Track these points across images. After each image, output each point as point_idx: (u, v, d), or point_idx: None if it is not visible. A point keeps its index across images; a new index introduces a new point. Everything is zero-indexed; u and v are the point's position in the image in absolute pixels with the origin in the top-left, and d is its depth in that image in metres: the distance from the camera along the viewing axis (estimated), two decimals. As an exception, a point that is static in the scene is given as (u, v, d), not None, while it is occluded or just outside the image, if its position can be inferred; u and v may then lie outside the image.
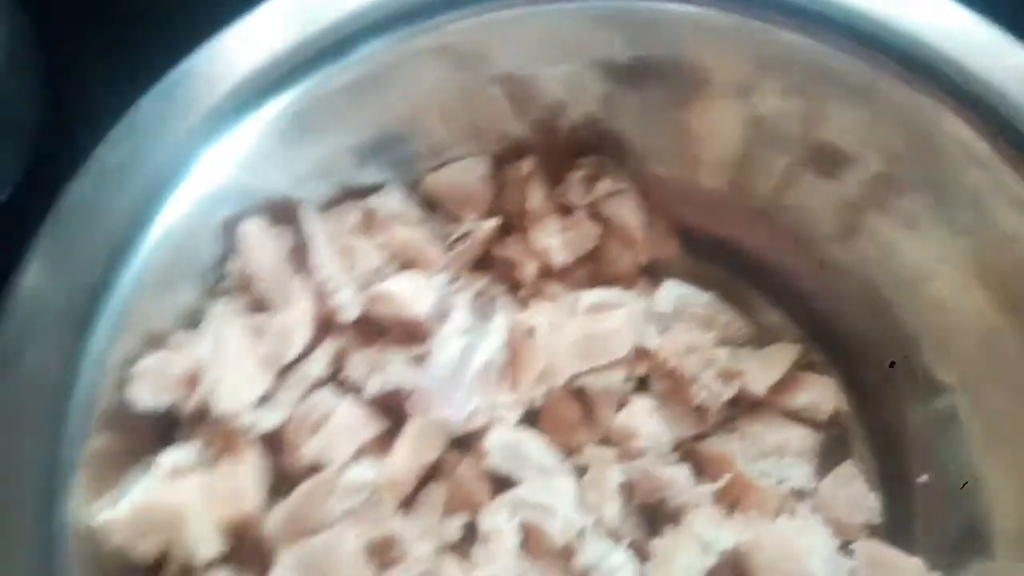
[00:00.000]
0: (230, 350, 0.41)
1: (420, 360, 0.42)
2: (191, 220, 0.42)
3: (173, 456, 0.40)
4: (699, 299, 0.48)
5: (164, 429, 0.42)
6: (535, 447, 0.44)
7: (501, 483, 0.44)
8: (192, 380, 0.40)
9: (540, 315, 0.44)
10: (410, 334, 0.43)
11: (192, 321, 0.43)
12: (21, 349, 0.38)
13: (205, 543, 0.38)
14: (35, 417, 0.38)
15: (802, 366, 0.50)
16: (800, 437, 0.48)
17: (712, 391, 0.45)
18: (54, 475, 0.37)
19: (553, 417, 0.45)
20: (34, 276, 0.40)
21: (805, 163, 0.47)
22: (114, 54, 0.62)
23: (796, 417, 0.49)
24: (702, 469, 0.47)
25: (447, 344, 0.41)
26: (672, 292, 0.49)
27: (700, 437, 0.48)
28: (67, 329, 0.39)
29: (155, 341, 0.41)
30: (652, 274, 0.51)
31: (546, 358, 0.43)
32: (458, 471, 0.43)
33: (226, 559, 0.40)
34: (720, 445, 0.47)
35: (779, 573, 0.41)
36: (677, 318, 0.47)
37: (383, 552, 0.39)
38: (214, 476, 0.40)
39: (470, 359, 0.41)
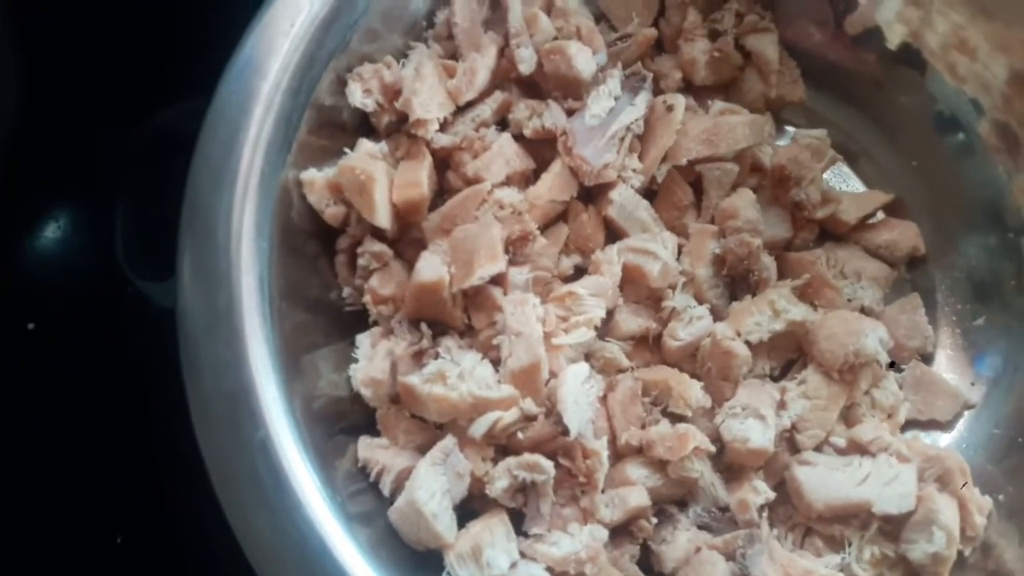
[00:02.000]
0: (427, 74, 0.50)
1: (573, 113, 0.51)
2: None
3: (370, 144, 0.50)
4: (814, 132, 0.55)
5: (359, 135, 0.53)
6: (647, 210, 0.52)
7: (612, 237, 0.53)
8: (394, 92, 0.50)
9: (680, 99, 0.52)
10: (567, 93, 0.51)
11: (399, 57, 0.53)
12: (264, 55, 0.49)
13: (382, 214, 0.48)
14: (270, 103, 0.49)
15: (892, 211, 0.57)
16: (877, 268, 0.55)
17: (810, 198, 0.52)
18: (283, 151, 0.48)
19: (668, 197, 0.54)
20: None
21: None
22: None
23: (876, 253, 0.56)
24: (784, 273, 0.54)
25: (599, 101, 0.50)
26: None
27: (789, 247, 0.55)
28: (306, 40, 0.49)
29: (370, 59, 0.51)
30: (776, 112, 0.59)
31: (675, 137, 0.52)
32: (581, 217, 0.52)
33: (387, 242, 0.51)
34: (808, 256, 0.54)
35: (837, 344, 0.49)
36: (792, 143, 0.55)
37: (516, 249, 0.49)
38: (397, 169, 0.50)
39: (615, 118, 0.50)
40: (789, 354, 0.53)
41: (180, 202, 0.51)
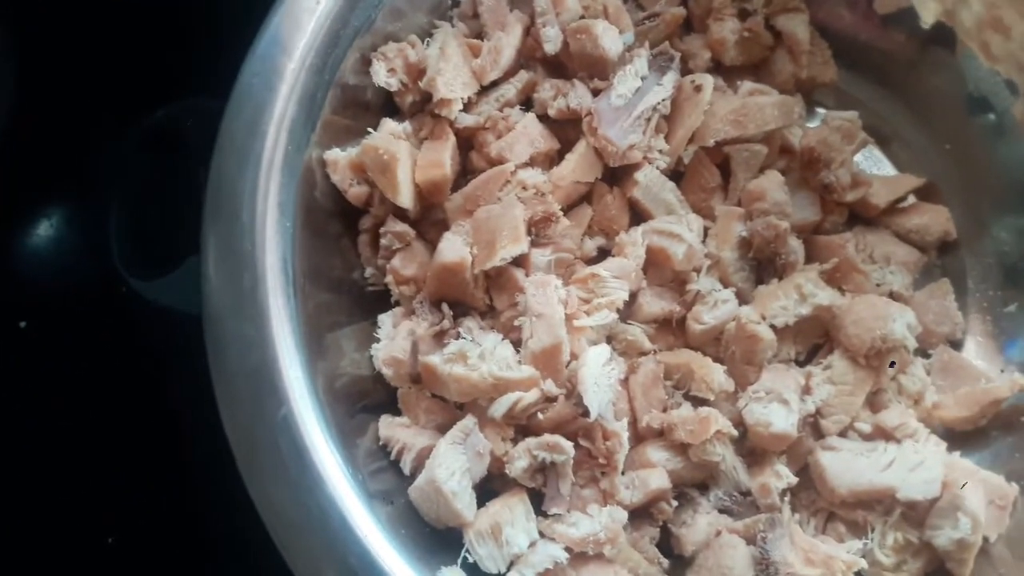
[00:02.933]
0: (451, 54, 0.50)
1: (598, 93, 0.50)
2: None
3: (393, 124, 0.50)
4: (845, 113, 0.54)
5: (384, 115, 0.53)
6: (673, 192, 0.52)
7: (637, 219, 0.53)
8: (418, 71, 0.50)
9: (708, 79, 0.51)
10: (593, 73, 0.51)
11: (424, 36, 0.53)
12: (289, 33, 0.49)
13: (405, 194, 0.48)
14: (294, 82, 0.49)
15: (923, 195, 0.56)
16: (907, 252, 0.54)
17: (840, 180, 0.52)
18: (307, 130, 0.48)
19: (695, 178, 0.53)
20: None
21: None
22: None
23: (907, 238, 0.55)
24: (813, 257, 0.53)
25: (625, 81, 0.49)
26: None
27: (818, 231, 0.54)
28: (331, 18, 0.50)
29: (394, 38, 0.51)
30: (807, 94, 0.58)
31: (703, 117, 0.51)
32: (606, 198, 0.52)
33: (410, 223, 0.51)
34: (837, 240, 0.53)
35: (864, 329, 0.48)
36: (823, 124, 0.54)
37: (539, 230, 0.48)
38: (420, 149, 0.50)
39: (641, 98, 0.49)
40: (815, 338, 0.52)
41: (174, 200, 0.54)
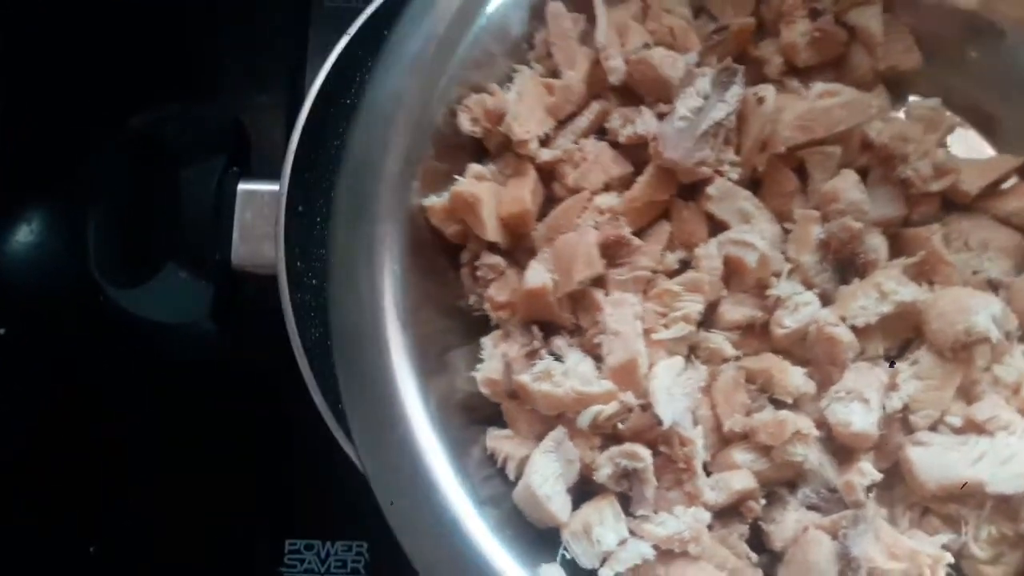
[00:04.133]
0: (527, 95, 0.55)
1: (664, 116, 0.53)
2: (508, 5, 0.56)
3: (478, 168, 0.55)
4: (927, 102, 0.53)
5: (476, 156, 0.58)
6: (748, 200, 0.54)
7: (717, 230, 0.55)
8: (498, 116, 0.55)
9: (771, 91, 0.53)
10: (659, 97, 0.54)
11: (504, 81, 0.57)
12: (395, 88, 0.55)
13: (491, 230, 0.54)
14: (398, 134, 0.55)
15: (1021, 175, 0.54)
16: (1006, 237, 0.53)
17: (920, 173, 0.51)
18: (410, 179, 0.54)
19: (772, 184, 0.54)
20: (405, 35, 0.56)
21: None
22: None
23: (1005, 221, 0.53)
24: (900, 251, 0.53)
25: (687, 102, 0.52)
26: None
27: (907, 224, 0.54)
28: (423, 74, 0.55)
29: (477, 89, 0.56)
30: (891, 85, 0.57)
31: (769, 127, 0.52)
32: (683, 213, 0.54)
33: (503, 254, 0.56)
34: (923, 232, 0.53)
35: (947, 323, 0.48)
36: (901, 117, 0.53)
37: (613, 253, 0.52)
38: (504, 187, 0.55)
39: (705, 117, 0.52)
40: (906, 333, 0.52)
41: (152, 207, 0.56)
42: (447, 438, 0.51)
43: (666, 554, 0.48)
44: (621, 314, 0.50)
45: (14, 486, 0.66)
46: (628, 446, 0.48)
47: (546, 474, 0.49)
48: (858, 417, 0.48)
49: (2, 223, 0.72)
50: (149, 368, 0.71)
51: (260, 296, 0.62)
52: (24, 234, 0.72)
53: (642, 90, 0.54)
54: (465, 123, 0.55)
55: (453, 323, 0.57)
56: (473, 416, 0.56)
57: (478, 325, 0.58)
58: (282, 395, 0.65)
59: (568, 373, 0.50)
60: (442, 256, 0.58)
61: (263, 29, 0.77)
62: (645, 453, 0.47)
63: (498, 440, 0.53)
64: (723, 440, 0.51)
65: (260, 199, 0.62)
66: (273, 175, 0.63)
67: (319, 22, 0.75)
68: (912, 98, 0.58)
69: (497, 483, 0.54)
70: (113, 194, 0.62)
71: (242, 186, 0.62)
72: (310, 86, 0.64)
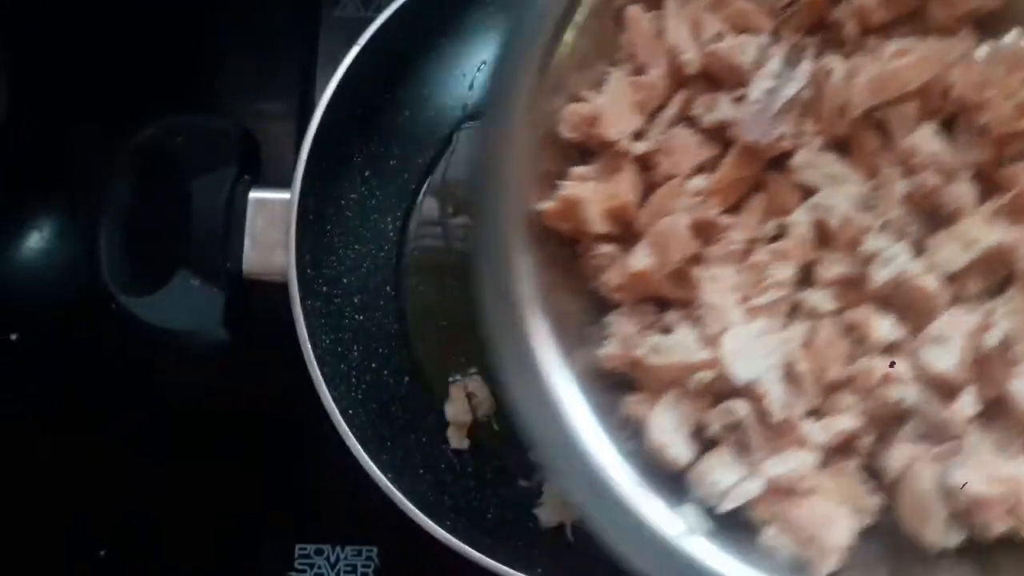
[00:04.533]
0: (616, 96, 0.61)
1: (741, 100, 0.57)
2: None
3: (580, 170, 0.62)
4: (1005, 40, 0.54)
5: (583, 157, 0.65)
6: (834, 163, 0.57)
7: (810, 194, 0.58)
8: (592, 120, 0.61)
9: (839, 61, 0.55)
10: (736, 82, 0.58)
11: (595, 85, 0.63)
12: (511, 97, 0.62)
13: (598, 224, 0.60)
14: (517, 142, 0.63)
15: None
16: (1101, 167, 0.53)
17: (1000, 116, 0.53)
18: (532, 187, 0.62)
19: (857, 146, 0.57)
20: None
21: None
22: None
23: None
24: (993, 192, 0.54)
25: (760, 84, 0.56)
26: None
27: (998, 165, 0.55)
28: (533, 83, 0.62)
29: (573, 99, 0.63)
30: (978, 26, 0.57)
31: (844, 94, 0.55)
32: (774, 184, 0.59)
33: (616, 240, 0.62)
34: (1013, 171, 0.54)
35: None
36: (978, 59, 0.54)
37: (706, 232, 0.58)
38: (606, 183, 0.62)
39: (777, 96, 0.56)
40: (1000, 274, 0.54)
41: (163, 217, 0.58)
42: (592, 402, 0.59)
43: (778, 491, 0.54)
44: (716, 288, 0.56)
45: (24, 490, 0.68)
46: (728, 403, 0.54)
47: (665, 427, 0.56)
48: (945, 360, 0.51)
49: (12, 229, 0.73)
50: (160, 374, 0.71)
51: (271, 303, 0.63)
52: (35, 240, 0.73)
53: (719, 77, 0.59)
54: (565, 130, 0.62)
55: (586, 304, 0.64)
56: (612, 382, 0.62)
57: (608, 305, 0.66)
58: (294, 401, 0.65)
59: (674, 346, 0.57)
60: (568, 247, 0.65)
61: (272, 39, 0.78)
62: (740, 407, 0.54)
63: (631, 404, 0.61)
64: (829, 388, 0.56)
65: (271, 207, 0.63)
66: (284, 183, 0.63)
67: (328, 31, 0.75)
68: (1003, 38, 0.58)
69: (636, 441, 0.60)
70: (123, 204, 0.63)
71: (253, 195, 0.64)
72: (320, 95, 0.65)
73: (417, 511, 0.60)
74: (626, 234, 0.63)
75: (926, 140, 0.54)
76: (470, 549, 0.60)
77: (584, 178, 0.62)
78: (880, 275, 0.55)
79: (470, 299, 0.67)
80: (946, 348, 0.52)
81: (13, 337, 0.70)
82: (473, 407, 0.71)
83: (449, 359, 0.72)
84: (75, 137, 0.73)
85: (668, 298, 0.60)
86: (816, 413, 0.56)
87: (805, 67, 0.56)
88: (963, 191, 0.54)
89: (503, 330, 0.61)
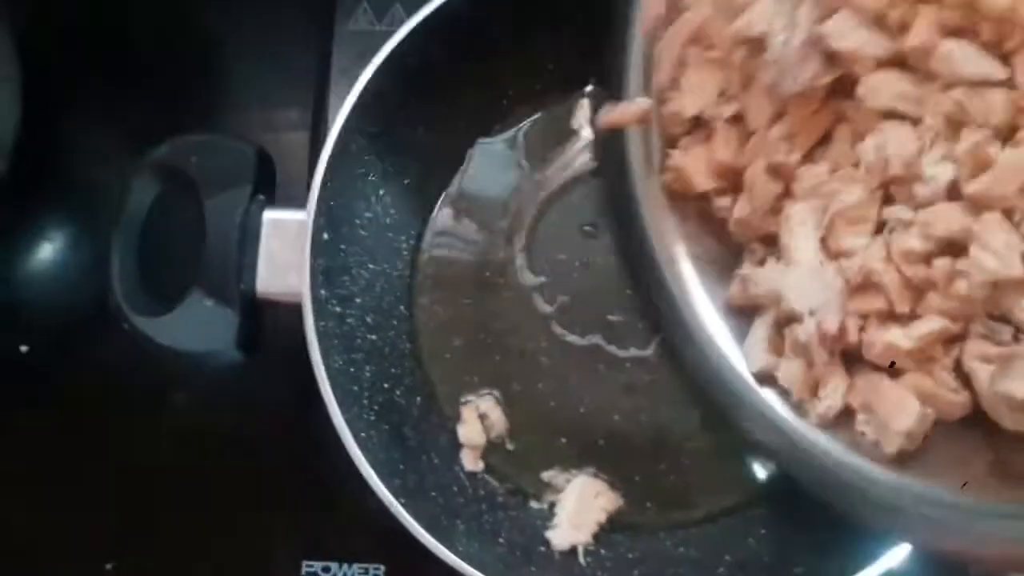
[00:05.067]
0: (695, 74, 0.68)
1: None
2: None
3: (682, 141, 0.70)
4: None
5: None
6: (900, 81, 0.59)
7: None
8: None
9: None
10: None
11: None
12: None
13: (705, 183, 0.70)
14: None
15: None
16: None
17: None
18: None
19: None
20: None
21: None
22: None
23: None
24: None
25: (775, 41, 0.61)
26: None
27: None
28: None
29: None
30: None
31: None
32: (850, 112, 0.63)
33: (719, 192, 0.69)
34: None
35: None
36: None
37: (786, 173, 0.65)
38: (704, 148, 0.69)
39: (790, 44, 0.60)
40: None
41: (179, 236, 0.60)
42: (731, 326, 0.69)
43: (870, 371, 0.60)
44: (794, 223, 0.63)
45: (33, 503, 0.68)
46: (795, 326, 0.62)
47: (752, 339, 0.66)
48: (1000, 261, 0.53)
49: (25, 242, 0.73)
50: (172, 392, 0.72)
51: (283, 323, 0.63)
52: (47, 253, 0.74)
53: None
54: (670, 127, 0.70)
55: (725, 249, 0.72)
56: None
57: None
58: (306, 422, 0.66)
59: (765, 277, 0.65)
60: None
61: (286, 55, 0.78)
62: (803, 328, 0.61)
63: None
64: (916, 292, 0.59)
65: (286, 228, 0.63)
66: (299, 203, 0.63)
67: (342, 46, 0.75)
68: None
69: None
70: (137, 223, 0.63)
71: (268, 215, 0.63)
72: (334, 112, 0.65)
73: (430, 537, 0.59)
74: (735, 187, 0.70)
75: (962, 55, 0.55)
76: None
77: (685, 148, 0.70)
78: (923, 192, 0.58)
79: (484, 318, 0.67)
80: (996, 257, 0.54)
81: (23, 349, 0.69)
82: (486, 428, 0.70)
83: (462, 379, 0.72)
84: (89, 154, 0.74)
85: (773, 235, 0.67)
86: (904, 319, 0.60)
87: (804, 11, 0.59)
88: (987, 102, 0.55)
89: (660, 280, 0.69)
